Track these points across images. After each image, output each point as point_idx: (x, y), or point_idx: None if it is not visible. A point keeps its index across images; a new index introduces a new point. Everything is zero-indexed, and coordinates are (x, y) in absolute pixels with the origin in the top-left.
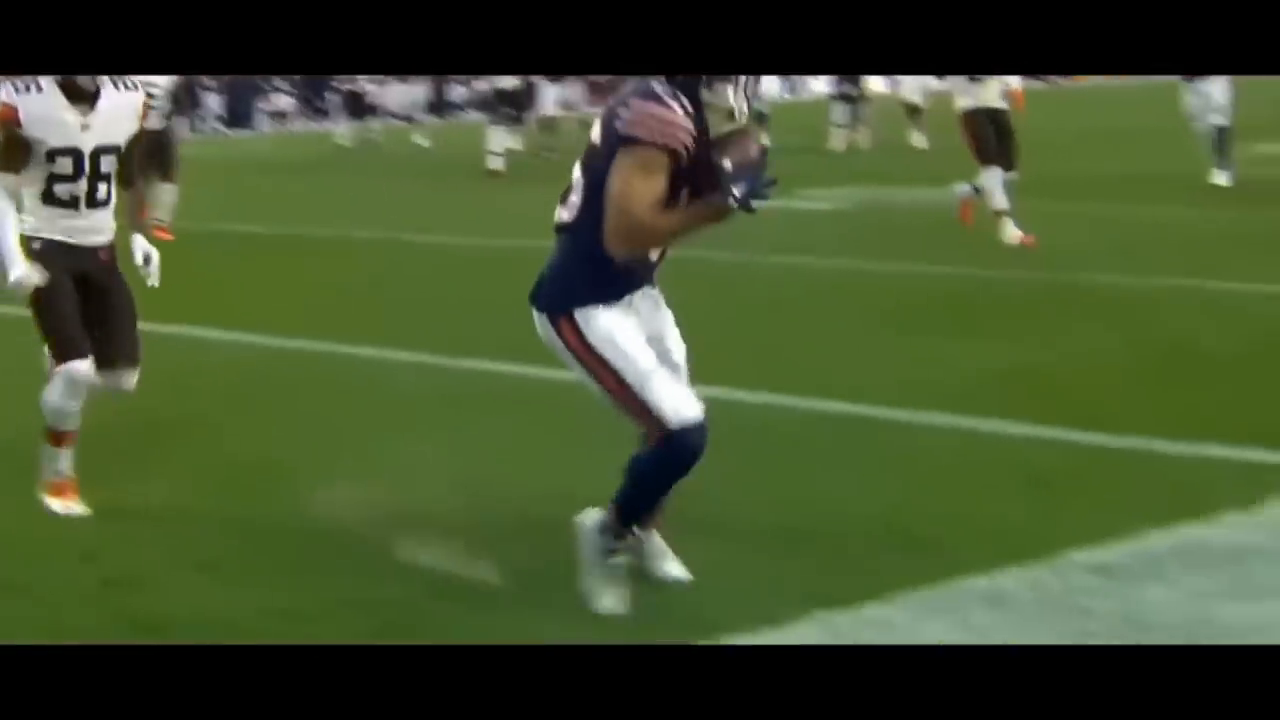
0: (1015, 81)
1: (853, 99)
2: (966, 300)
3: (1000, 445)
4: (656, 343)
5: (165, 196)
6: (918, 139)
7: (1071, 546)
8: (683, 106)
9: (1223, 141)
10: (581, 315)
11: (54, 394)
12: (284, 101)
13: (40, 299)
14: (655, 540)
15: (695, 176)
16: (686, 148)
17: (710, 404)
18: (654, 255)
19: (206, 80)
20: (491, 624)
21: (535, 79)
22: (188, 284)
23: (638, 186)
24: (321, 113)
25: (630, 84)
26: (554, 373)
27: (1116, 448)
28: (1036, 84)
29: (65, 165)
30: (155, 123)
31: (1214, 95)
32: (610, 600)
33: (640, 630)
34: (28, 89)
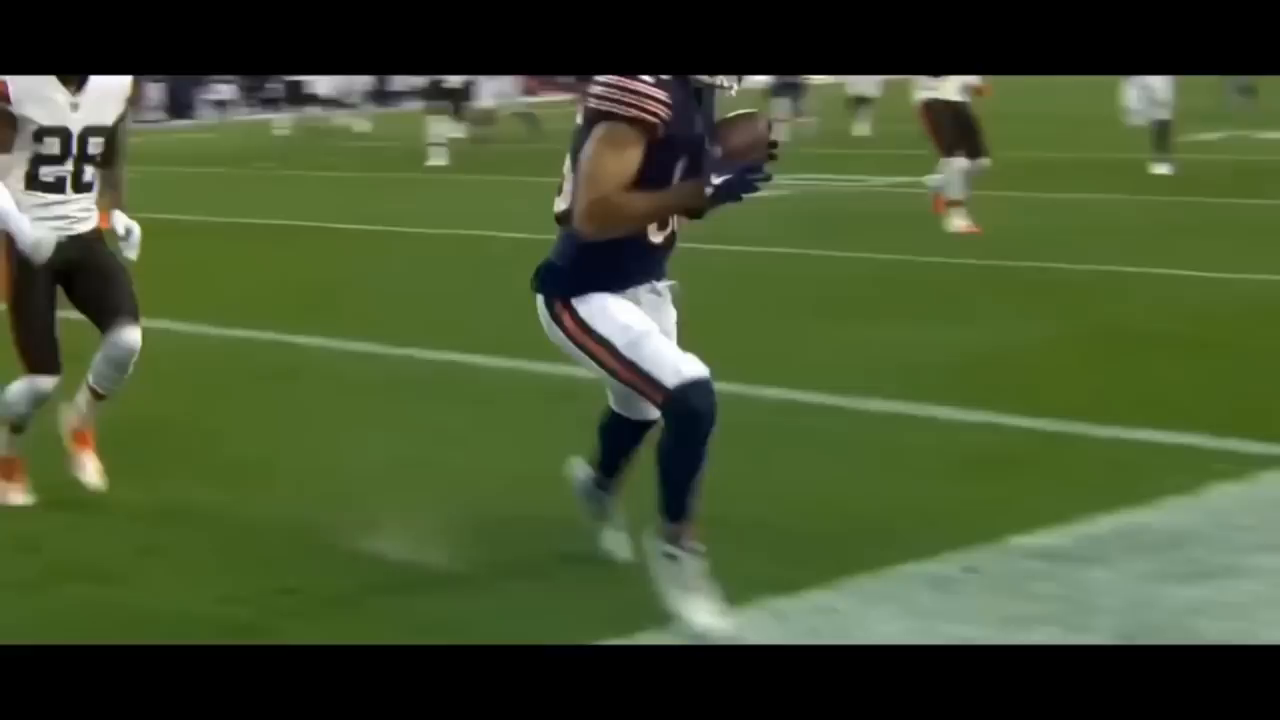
0: (974, 77)
1: (795, 89)
2: (908, 287)
3: (943, 430)
4: None
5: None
6: (860, 128)
7: (1014, 531)
8: (660, 80)
9: (1164, 134)
10: (577, 300)
11: (16, 396)
12: (225, 90)
13: (18, 302)
14: (615, 506)
15: (691, 155)
16: (661, 119)
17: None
18: (656, 238)
19: None
20: (445, 615)
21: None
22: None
23: (608, 163)
24: (264, 102)
25: None
26: (517, 363)
27: (1058, 432)
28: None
29: (53, 145)
30: None
31: (1155, 89)
32: (708, 616)
33: (589, 620)
34: None
